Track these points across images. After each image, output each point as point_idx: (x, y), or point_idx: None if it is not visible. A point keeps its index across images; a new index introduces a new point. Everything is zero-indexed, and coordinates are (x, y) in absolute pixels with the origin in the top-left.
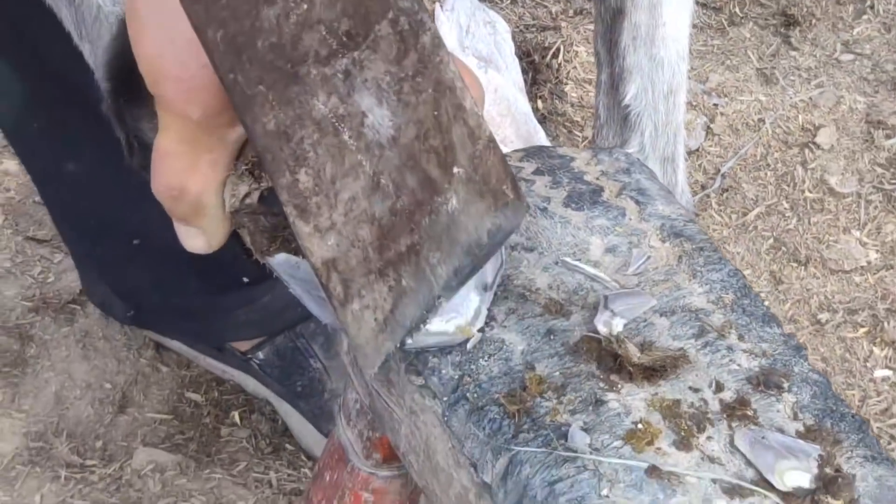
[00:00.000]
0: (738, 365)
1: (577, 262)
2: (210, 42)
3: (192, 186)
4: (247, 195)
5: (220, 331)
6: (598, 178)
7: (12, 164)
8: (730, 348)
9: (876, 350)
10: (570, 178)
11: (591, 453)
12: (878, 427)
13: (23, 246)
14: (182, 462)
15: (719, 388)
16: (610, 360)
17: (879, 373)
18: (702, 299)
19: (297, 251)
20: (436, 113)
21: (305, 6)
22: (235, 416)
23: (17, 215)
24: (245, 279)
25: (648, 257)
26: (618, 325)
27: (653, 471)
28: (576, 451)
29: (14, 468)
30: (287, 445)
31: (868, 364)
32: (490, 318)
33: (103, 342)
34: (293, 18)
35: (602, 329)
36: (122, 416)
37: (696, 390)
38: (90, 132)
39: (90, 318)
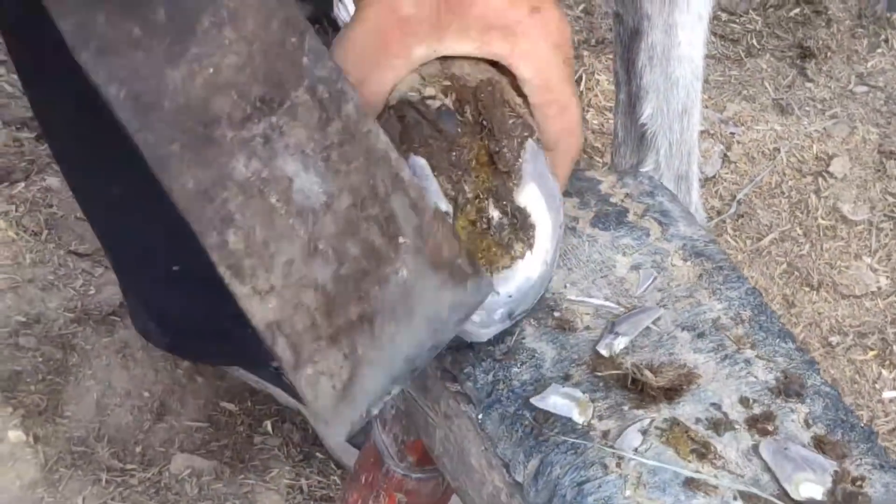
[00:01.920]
0: (755, 377)
1: (581, 298)
2: (114, 100)
3: (369, 84)
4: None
5: (251, 353)
6: (623, 200)
7: (55, 181)
8: (747, 361)
9: (885, 372)
10: (596, 199)
11: (633, 454)
12: (885, 447)
13: (65, 259)
14: (217, 468)
15: (739, 400)
16: (629, 382)
17: (888, 394)
18: (721, 315)
19: (432, 153)
20: (371, 182)
21: (211, 70)
22: (268, 424)
23: (59, 230)
24: None
25: (654, 278)
26: (619, 346)
27: (689, 481)
28: (614, 451)
29: (58, 471)
30: (317, 454)
31: (877, 386)
32: (521, 330)
33: (142, 353)
34: (199, 81)
35: (603, 352)
36: (160, 423)
37: (716, 401)
38: (131, 158)
39: (129, 330)
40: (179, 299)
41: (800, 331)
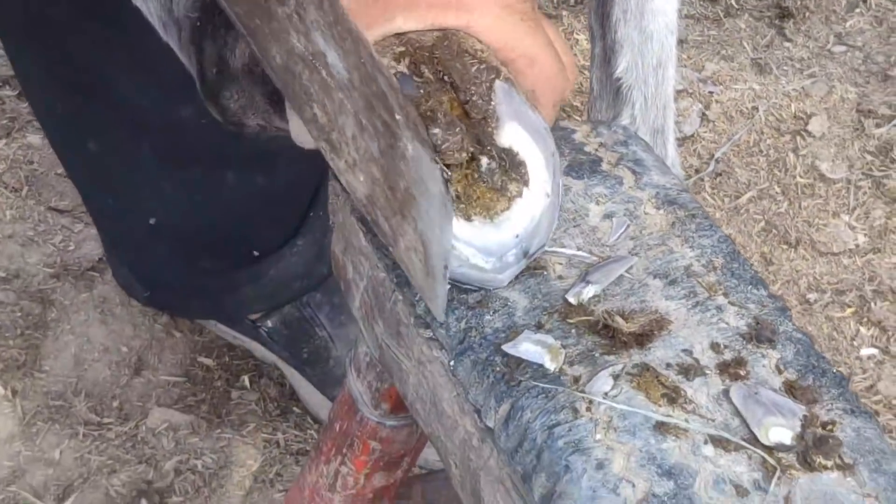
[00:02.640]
0: (727, 323)
1: (554, 249)
2: None
3: None
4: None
5: (230, 307)
6: (596, 150)
7: (36, 138)
8: (719, 308)
9: (862, 329)
10: (570, 148)
11: (603, 399)
12: (863, 403)
13: (45, 215)
14: (194, 422)
15: (710, 345)
16: (600, 328)
17: (865, 351)
18: (693, 262)
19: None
20: (361, 60)
21: None
22: (245, 379)
23: (39, 186)
24: (255, 253)
25: (627, 226)
26: (588, 294)
27: (659, 425)
28: (585, 395)
29: (35, 424)
30: (294, 408)
31: (855, 343)
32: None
33: (120, 308)
34: None
35: (572, 300)
36: (137, 378)
37: (687, 347)
38: (111, 116)
39: (108, 285)
40: (157, 253)
41: (778, 288)
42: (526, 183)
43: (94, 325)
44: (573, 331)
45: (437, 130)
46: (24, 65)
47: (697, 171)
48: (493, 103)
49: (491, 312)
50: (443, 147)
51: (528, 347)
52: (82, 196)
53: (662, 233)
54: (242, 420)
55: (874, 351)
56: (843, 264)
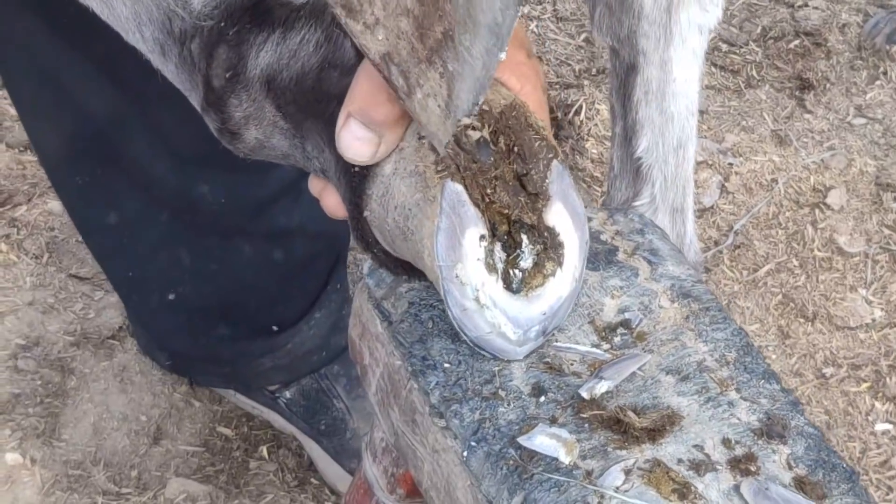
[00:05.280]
0: (738, 419)
1: (567, 345)
2: None
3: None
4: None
5: (248, 377)
6: (613, 238)
7: (56, 205)
8: (731, 403)
9: (878, 404)
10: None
11: (615, 493)
12: (877, 478)
13: (66, 283)
14: (213, 493)
15: (722, 441)
16: (613, 423)
17: (880, 426)
18: (706, 357)
19: (468, 181)
20: None
21: None
22: (264, 450)
23: (60, 253)
24: (274, 328)
25: (641, 320)
26: (601, 389)
27: None
28: (597, 489)
29: (54, 493)
30: (312, 479)
31: (869, 418)
32: (510, 372)
33: (140, 376)
34: None
35: (585, 395)
36: (156, 447)
37: (698, 443)
38: (130, 187)
39: (128, 354)
40: (174, 321)
41: (794, 362)
42: (560, 264)
43: (114, 394)
44: (586, 425)
45: (503, 194)
46: (41, 134)
47: (716, 244)
48: (547, 181)
49: (505, 404)
50: (505, 204)
51: (543, 441)
52: (102, 266)
53: (676, 327)
54: (261, 491)
55: (889, 426)
56: (859, 339)
